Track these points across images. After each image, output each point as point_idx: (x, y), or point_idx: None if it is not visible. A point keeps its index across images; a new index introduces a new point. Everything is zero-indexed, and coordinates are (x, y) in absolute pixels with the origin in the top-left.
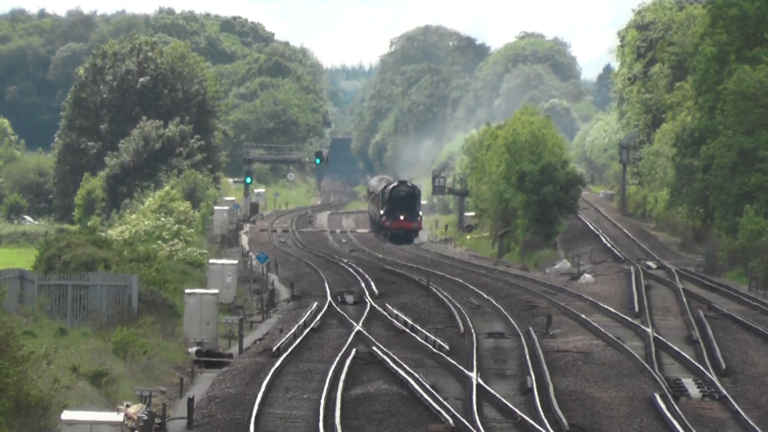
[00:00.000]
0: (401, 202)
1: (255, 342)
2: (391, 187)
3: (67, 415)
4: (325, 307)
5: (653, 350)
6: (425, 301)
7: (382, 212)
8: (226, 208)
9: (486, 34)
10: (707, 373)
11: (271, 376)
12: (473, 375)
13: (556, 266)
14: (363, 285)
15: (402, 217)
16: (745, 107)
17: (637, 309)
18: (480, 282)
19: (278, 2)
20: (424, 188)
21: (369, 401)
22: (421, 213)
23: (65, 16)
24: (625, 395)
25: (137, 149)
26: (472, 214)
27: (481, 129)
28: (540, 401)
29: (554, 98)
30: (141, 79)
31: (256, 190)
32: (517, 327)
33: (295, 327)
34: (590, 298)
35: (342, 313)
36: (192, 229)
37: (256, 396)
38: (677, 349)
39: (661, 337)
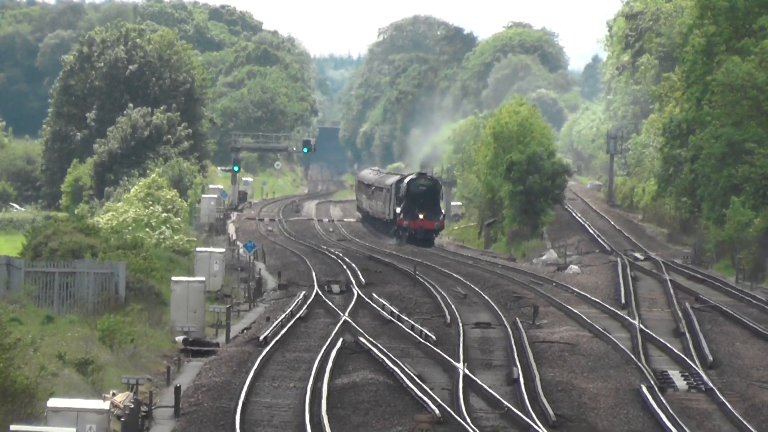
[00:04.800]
0: (421, 197)
1: (242, 331)
2: (408, 180)
3: (53, 402)
4: (312, 296)
5: (640, 342)
6: (412, 290)
7: (398, 210)
8: (214, 196)
9: (474, 24)
10: (694, 366)
11: (258, 365)
12: (460, 365)
13: (543, 257)
14: (350, 274)
15: (422, 216)
16: (734, 98)
17: (623, 300)
18: (466, 272)
19: None
20: None
21: (355, 391)
22: (443, 211)
23: (54, 4)
24: (612, 387)
25: (125, 137)
26: (459, 203)
27: (468, 119)
28: (526, 392)
29: (542, 88)
30: (130, 67)
31: (243, 179)
32: (503, 317)
33: (282, 316)
34: (577, 289)
35: (329, 302)
36: (179, 218)
37: (243, 385)
38: (664, 341)
39: (647, 329)
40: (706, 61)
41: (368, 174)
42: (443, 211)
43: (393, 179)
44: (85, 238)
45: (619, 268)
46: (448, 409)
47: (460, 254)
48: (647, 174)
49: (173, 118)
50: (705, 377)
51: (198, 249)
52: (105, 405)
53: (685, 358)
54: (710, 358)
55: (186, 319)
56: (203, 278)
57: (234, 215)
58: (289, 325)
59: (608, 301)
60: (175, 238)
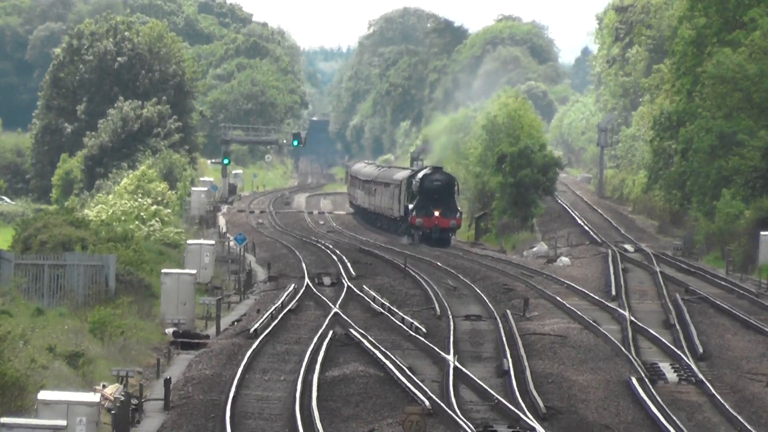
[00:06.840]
0: (436, 193)
1: (232, 323)
2: (422, 175)
3: (43, 395)
4: (303, 288)
5: (630, 334)
6: (402, 282)
7: (410, 207)
8: (204, 189)
9: (464, 16)
10: (684, 357)
11: (248, 357)
12: (450, 357)
13: (533, 249)
14: (340, 266)
15: (437, 213)
16: (724, 91)
17: (613, 292)
18: (456, 264)
19: None
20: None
21: (346, 383)
22: (460, 208)
23: None
24: (602, 378)
25: (115, 130)
26: None
27: (460, 111)
28: (517, 384)
29: (531, 81)
30: (119, 59)
31: (233, 172)
32: (494, 309)
33: (273, 308)
34: (567, 281)
35: (319, 294)
36: (169, 210)
37: (233, 377)
38: (654, 333)
39: (637, 321)
40: (696, 52)
41: (365, 168)
42: (460, 209)
43: (403, 174)
44: (75, 230)
45: (610, 260)
46: (439, 401)
47: (450, 246)
48: (637, 166)
49: (163, 110)
50: (695, 369)
51: (188, 241)
52: (95, 397)
53: (676, 349)
54: (700, 349)
55: (176, 311)
56: (193, 270)
57: (224, 208)
58: (279, 317)
59: (598, 293)
60: (165, 230)
